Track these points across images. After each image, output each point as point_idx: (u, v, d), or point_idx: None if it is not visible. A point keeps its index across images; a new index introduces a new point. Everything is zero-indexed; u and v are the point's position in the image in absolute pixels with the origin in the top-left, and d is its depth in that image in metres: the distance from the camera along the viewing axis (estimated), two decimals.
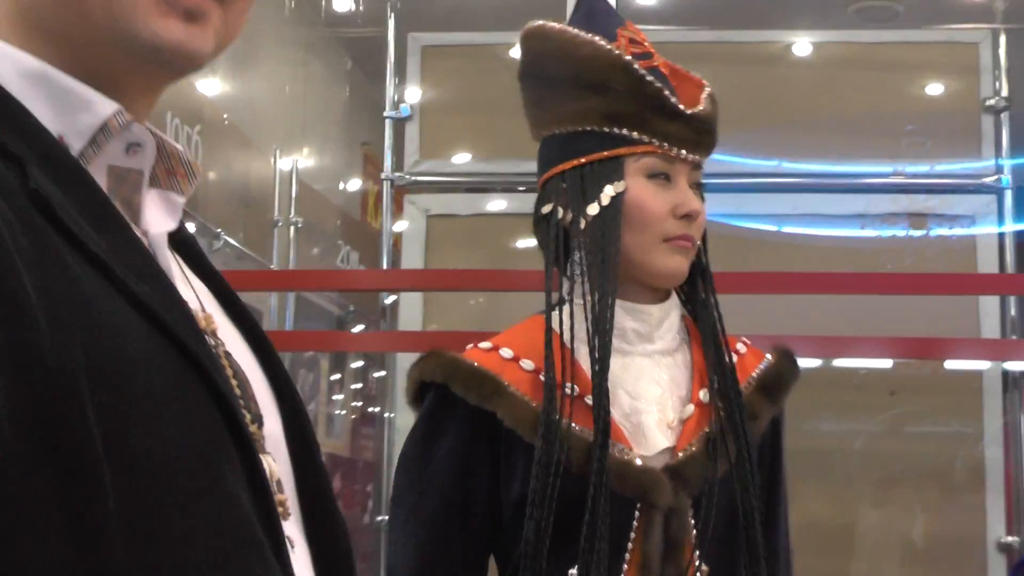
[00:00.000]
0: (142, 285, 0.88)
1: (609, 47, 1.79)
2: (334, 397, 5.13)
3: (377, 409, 4.46)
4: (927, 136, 3.36)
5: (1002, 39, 3.35)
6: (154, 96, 1.04)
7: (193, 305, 0.98)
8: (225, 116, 4.16)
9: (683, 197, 1.76)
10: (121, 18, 0.94)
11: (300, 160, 4.74)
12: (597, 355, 1.71)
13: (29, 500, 0.77)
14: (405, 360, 3.29)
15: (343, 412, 5.22)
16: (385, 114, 3.45)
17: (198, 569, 0.86)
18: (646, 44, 1.84)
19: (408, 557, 1.78)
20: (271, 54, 4.94)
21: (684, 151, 1.77)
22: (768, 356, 1.91)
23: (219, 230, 3.92)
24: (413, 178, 3.40)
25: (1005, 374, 3.19)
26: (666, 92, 1.77)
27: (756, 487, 1.73)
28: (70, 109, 0.95)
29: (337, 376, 5.23)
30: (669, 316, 1.82)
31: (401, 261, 3.45)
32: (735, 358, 1.82)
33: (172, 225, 1.02)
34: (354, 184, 5.91)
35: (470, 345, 1.83)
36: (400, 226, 3.48)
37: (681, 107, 1.77)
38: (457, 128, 3.48)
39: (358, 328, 5.04)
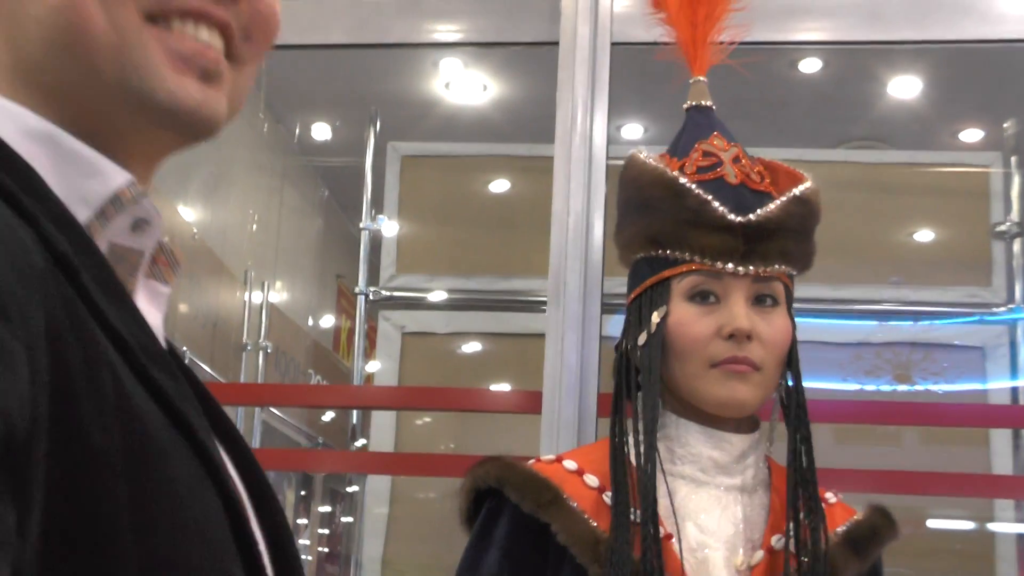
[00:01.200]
0: (159, 372, 0.79)
1: (662, 167, 1.69)
2: (300, 541, 4.96)
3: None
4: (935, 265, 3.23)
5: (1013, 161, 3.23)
6: (157, 166, 0.93)
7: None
8: (195, 232, 4.02)
9: (730, 316, 1.62)
10: (135, 75, 0.84)
11: (272, 289, 4.61)
12: (644, 485, 1.59)
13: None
14: (374, 503, 3.11)
15: (307, 557, 5.02)
16: (361, 225, 3.30)
17: None
18: (723, 153, 1.72)
19: None
20: (246, 180, 4.88)
21: (731, 264, 1.63)
22: (859, 511, 1.77)
23: (184, 348, 3.76)
24: (388, 293, 3.22)
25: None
26: (712, 202, 1.64)
27: None
28: (78, 175, 0.83)
29: (303, 519, 5.07)
30: (756, 450, 1.69)
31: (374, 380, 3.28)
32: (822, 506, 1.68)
33: (160, 317, 0.91)
34: (327, 319, 5.78)
35: (534, 458, 1.72)
36: (373, 366, 3.32)
37: (729, 216, 1.63)
38: (435, 243, 3.32)
39: None
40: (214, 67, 0.88)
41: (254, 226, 5.01)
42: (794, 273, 1.72)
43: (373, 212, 3.32)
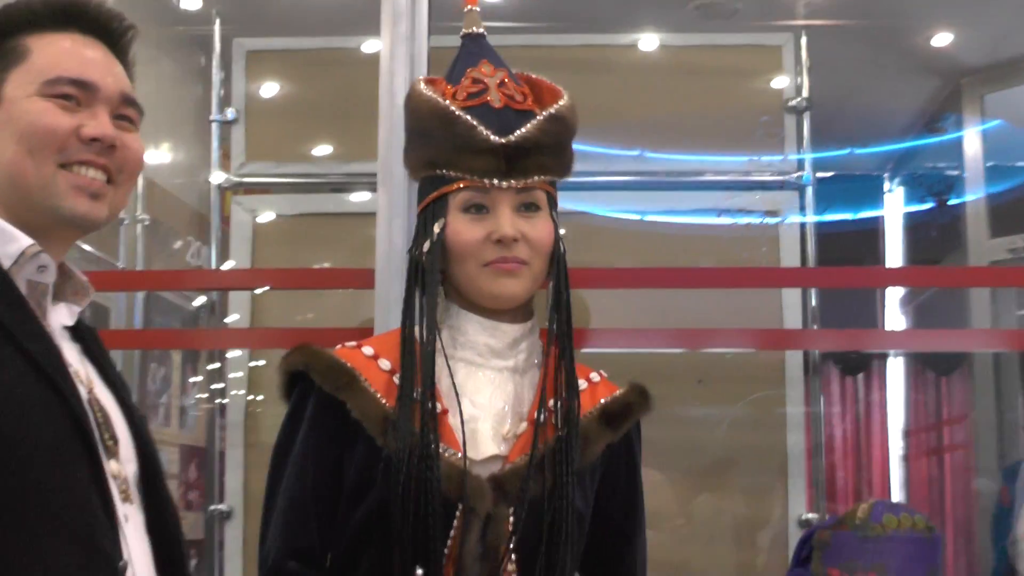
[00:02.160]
0: (33, 345, 1.50)
1: (436, 96, 1.95)
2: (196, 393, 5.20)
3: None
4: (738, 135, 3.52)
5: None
6: (69, 242, 1.68)
7: (77, 365, 1.61)
8: None
9: (496, 224, 1.90)
10: (50, 199, 1.59)
11: (149, 158, 4.78)
12: (424, 365, 1.88)
13: None
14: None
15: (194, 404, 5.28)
16: (211, 118, 3.54)
17: (48, 521, 1.43)
18: (489, 80, 1.97)
19: (276, 538, 1.92)
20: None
21: (496, 180, 1.90)
22: (620, 389, 2.06)
23: None
24: (238, 179, 3.49)
25: (806, 361, 3.36)
26: (478, 128, 1.91)
27: (570, 506, 1.86)
28: (5, 241, 1.57)
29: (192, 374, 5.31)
30: (528, 337, 1.97)
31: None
32: (584, 385, 2.00)
33: (70, 322, 1.67)
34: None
35: (340, 344, 1.99)
36: (264, 218, 3.56)
37: (492, 139, 1.90)
38: (281, 131, 3.57)
39: None
40: (98, 191, 1.61)
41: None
42: (555, 180, 2.00)
43: (222, 105, 3.56)
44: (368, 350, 1.99)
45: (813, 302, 3.41)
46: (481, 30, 2.11)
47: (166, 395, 4.89)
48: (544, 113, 1.96)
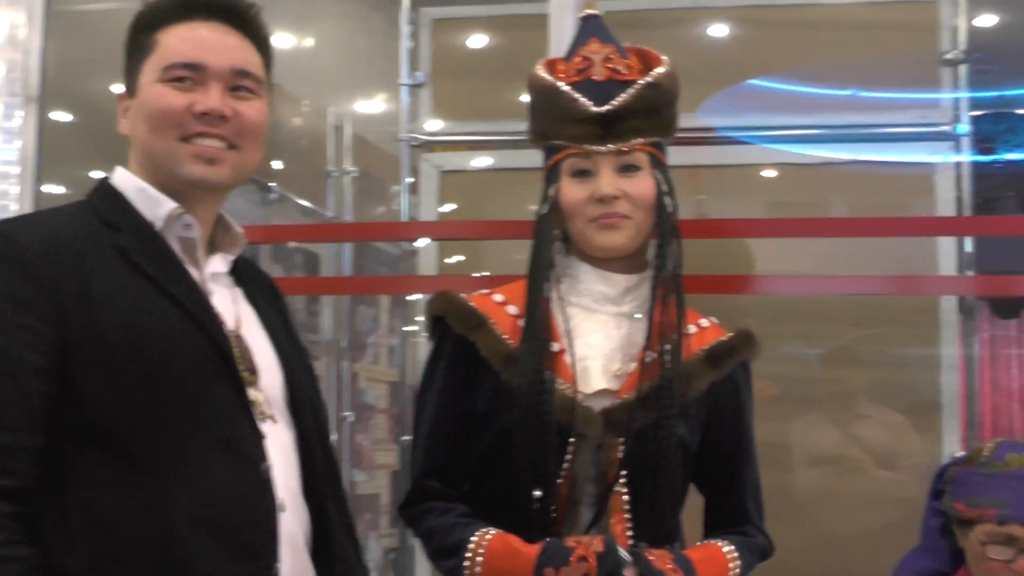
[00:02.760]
0: (176, 288, 1.82)
1: (546, 76, 2.19)
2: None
3: None
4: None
5: None
6: (212, 201, 1.95)
7: (227, 307, 1.90)
8: (273, 83, 4.56)
9: (597, 185, 2.13)
10: (174, 164, 1.88)
11: (358, 111, 5.14)
12: (531, 306, 2.15)
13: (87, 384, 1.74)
14: None
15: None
16: (400, 81, 3.86)
17: (198, 431, 1.76)
18: (595, 56, 2.18)
19: (419, 460, 2.22)
20: (329, 10, 5.29)
21: (595, 145, 2.13)
22: (728, 334, 2.25)
23: (271, 184, 4.41)
24: (427, 137, 3.82)
25: (961, 304, 3.49)
26: (579, 100, 2.14)
27: (673, 436, 2.09)
28: (155, 205, 1.89)
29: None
30: (640, 287, 2.19)
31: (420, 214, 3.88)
32: (693, 330, 2.21)
33: (223, 269, 1.96)
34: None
35: (477, 292, 2.27)
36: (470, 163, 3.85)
37: (591, 109, 2.13)
38: (465, 92, 3.86)
39: None
40: (214, 156, 1.88)
41: (344, 51, 5.45)
42: (656, 141, 2.17)
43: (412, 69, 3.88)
44: (498, 297, 2.23)
45: (968, 248, 3.52)
46: (595, 11, 2.31)
47: (374, 335, 5.26)
48: (641, 81, 2.15)
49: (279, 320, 2.05)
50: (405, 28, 3.93)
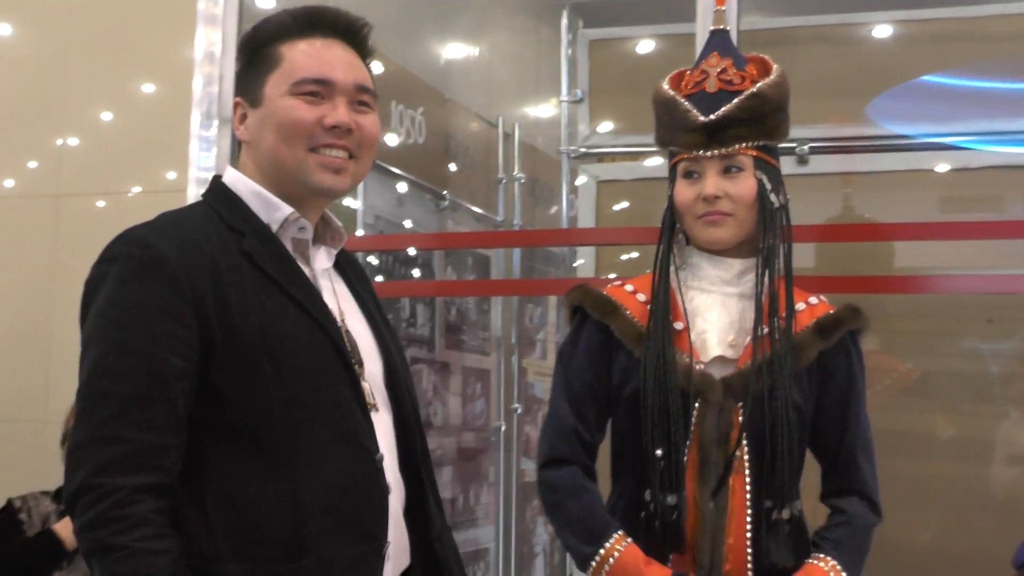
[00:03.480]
0: (297, 290, 1.97)
1: (667, 89, 2.47)
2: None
3: None
4: None
5: None
6: (322, 206, 2.11)
7: (332, 302, 2.05)
8: (446, 96, 4.91)
9: (702, 186, 2.39)
10: (303, 174, 2.02)
11: (527, 118, 5.44)
12: (657, 291, 2.42)
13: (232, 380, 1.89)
14: None
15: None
16: (560, 99, 4.19)
17: (324, 424, 1.92)
18: (712, 69, 2.43)
19: (558, 420, 2.46)
20: (500, 23, 5.54)
21: (701, 151, 2.39)
22: (834, 308, 2.45)
23: (444, 192, 4.74)
24: (585, 149, 4.14)
25: None
26: (690, 112, 2.40)
27: (788, 399, 2.30)
28: (271, 209, 2.03)
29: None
30: (752, 270, 2.41)
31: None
32: (803, 307, 2.44)
33: (328, 264, 2.12)
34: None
35: (611, 283, 2.53)
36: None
37: (699, 119, 2.39)
38: (619, 108, 4.17)
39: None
40: (340, 167, 2.03)
41: (514, 62, 5.74)
42: (759, 144, 2.37)
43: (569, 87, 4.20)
44: (629, 287, 2.48)
45: None
46: (723, 27, 2.55)
47: (543, 331, 5.55)
48: (745, 93, 2.37)
49: (375, 306, 2.21)
50: (565, 50, 4.24)
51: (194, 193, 3.66)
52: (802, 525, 2.36)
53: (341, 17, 2.11)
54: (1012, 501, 3.33)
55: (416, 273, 4.37)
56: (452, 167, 4.97)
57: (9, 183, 4.32)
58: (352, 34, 2.11)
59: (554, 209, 5.59)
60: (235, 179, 2.07)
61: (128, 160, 4.11)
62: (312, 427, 1.92)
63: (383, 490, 1.98)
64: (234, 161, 2.14)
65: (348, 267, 2.21)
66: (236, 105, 2.11)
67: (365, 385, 2.02)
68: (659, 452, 2.33)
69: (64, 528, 3.31)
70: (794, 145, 3.86)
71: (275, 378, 1.89)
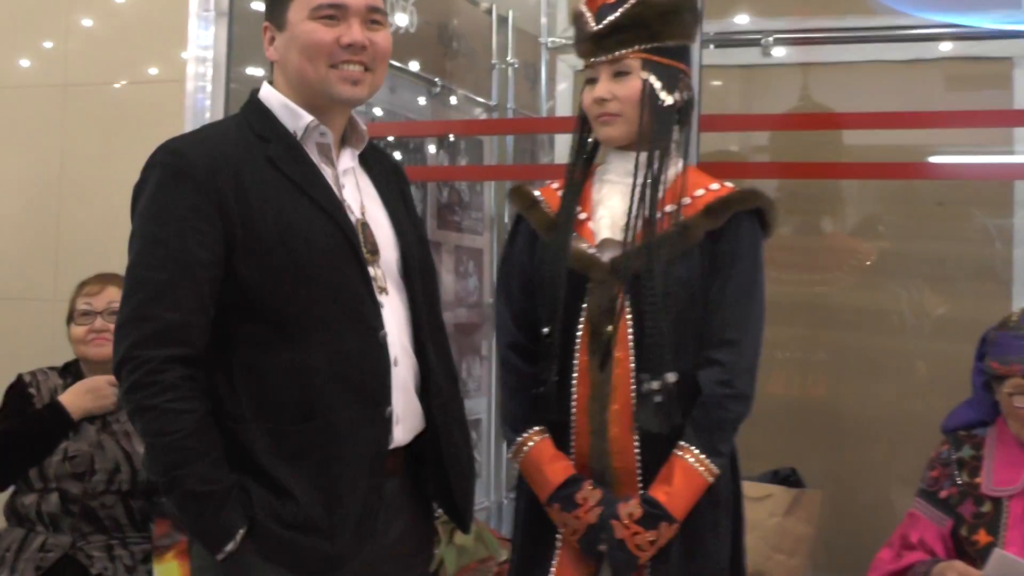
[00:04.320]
0: (313, 190, 2.29)
1: (582, 2, 2.68)
2: None
3: None
4: None
5: None
6: (346, 112, 2.41)
7: (355, 196, 2.38)
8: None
9: (598, 90, 2.62)
10: (327, 87, 2.33)
11: (521, 4, 5.52)
12: (567, 183, 2.69)
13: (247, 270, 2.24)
14: None
15: None
16: None
17: (332, 305, 2.24)
18: None
19: (504, 309, 2.74)
20: None
21: (593, 58, 2.64)
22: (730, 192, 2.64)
23: (437, 79, 4.93)
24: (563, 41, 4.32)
25: None
26: (588, 23, 2.62)
27: (669, 281, 2.51)
28: (296, 119, 2.35)
29: None
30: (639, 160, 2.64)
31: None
32: (701, 192, 2.61)
33: (351, 164, 2.42)
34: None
35: (547, 183, 2.80)
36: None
37: (591, 27, 2.62)
38: None
39: None
40: (358, 78, 2.34)
41: None
42: (648, 47, 2.57)
43: None
44: (554, 185, 2.76)
45: None
46: None
47: None
48: (630, 1, 2.57)
49: (399, 199, 2.52)
50: None
51: (192, 72, 3.91)
52: (679, 395, 2.53)
53: None
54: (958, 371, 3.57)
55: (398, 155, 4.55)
56: (446, 54, 5.12)
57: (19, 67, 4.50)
58: None
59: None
60: (267, 93, 2.41)
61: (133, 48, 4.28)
62: (321, 307, 2.25)
63: (386, 362, 2.30)
64: (269, 77, 2.45)
65: (376, 164, 2.53)
66: (265, 29, 2.42)
67: (376, 271, 2.34)
68: (545, 330, 2.58)
69: (69, 399, 3.54)
70: (759, 37, 4.05)
71: (289, 265, 2.23)
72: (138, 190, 2.29)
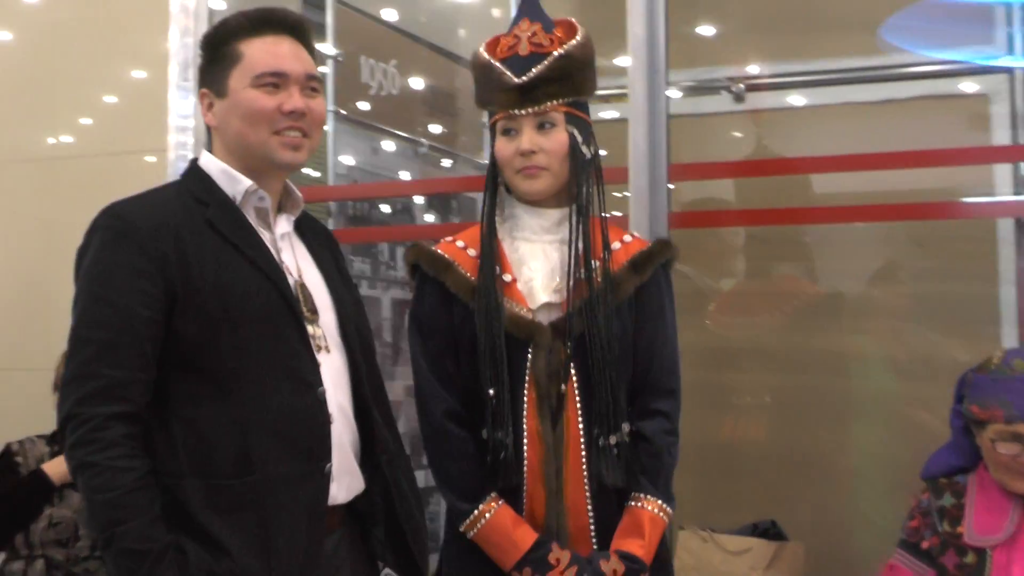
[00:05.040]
0: (251, 251, 2.33)
1: (484, 54, 2.65)
2: None
3: None
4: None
5: None
6: (282, 177, 2.48)
7: (291, 260, 2.43)
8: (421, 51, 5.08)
9: (521, 143, 2.58)
10: (268, 152, 2.39)
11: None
12: (484, 244, 2.62)
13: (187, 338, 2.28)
14: None
15: None
16: None
17: (270, 362, 2.28)
18: (523, 34, 2.60)
19: (429, 375, 2.63)
20: None
21: (516, 109, 2.58)
22: (649, 243, 2.70)
23: (422, 140, 4.96)
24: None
25: (1018, 225, 3.79)
26: (505, 74, 2.58)
27: (606, 336, 2.51)
28: (235, 184, 2.41)
29: None
30: (567, 219, 2.61)
31: None
32: (618, 245, 2.64)
33: (288, 229, 2.47)
34: None
35: (444, 239, 2.74)
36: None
37: (513, 80, 2.57)
38: None
39: None
40: (298, 144, 2.40)
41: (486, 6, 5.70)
42: (570, 100, 2.58)
43: None
44: (460, 243, 2.68)
45: (1023, 171, 3.82)
46: None
47: None
48: (555, 53, 2.56)
49: (333, 264, 2.57)
50: None
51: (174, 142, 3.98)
52: (630, 448, 2.58)
53: (289, 16, 2.51)
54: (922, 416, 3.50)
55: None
56: (432, 114, 5.15)
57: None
58: (298, 30, 2.49)
59: None
60: (207, 160, 2.47)
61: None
62: (258, 363, 2.30)
63: (324, 418, 2.35)
64: (208, 145, 2.51)
65: (309, 231, 2.58)
66: (203, 96, 2.48)
67: (316, 330, 2.40)
68: (491, 392, 2.54)
69: (51, 467, 3.59)
70: (728, 84, 4.04)
71: (227, 324, 2.28)
72: (81, 252, 2.35)
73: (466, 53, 5.30)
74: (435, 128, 5.19)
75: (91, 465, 2.20)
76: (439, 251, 2.69)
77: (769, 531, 3.44)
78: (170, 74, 3.96)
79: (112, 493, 2.19)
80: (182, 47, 3.96)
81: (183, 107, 3.96)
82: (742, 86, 4.04)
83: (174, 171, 3.90)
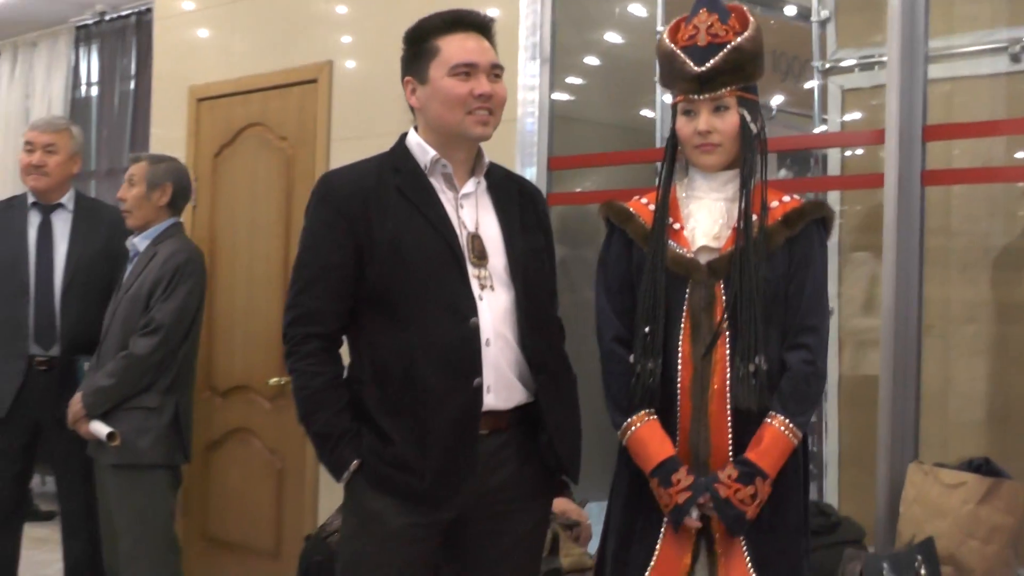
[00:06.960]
0: (427, 209, 2.95)
1: (667, 42, 3.02)
2: None
3: None
4: None
5: None
6: (473, 148, 3.03)
7: (472, 213, 3.02)
8: None
9: (699, 124, 2.95)
10: (464, 129, 2.95)
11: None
12: (659, 200, 3.06)
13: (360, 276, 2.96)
14: None
15: None
16: (812, 19, 4.67)
17: (432, 298, 2.89)
18: (702, 25, 2.96)
19: (606, 306, 3.07)
20: None
21: (695, 95, 2.97)
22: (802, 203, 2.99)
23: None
24: (832, 63, 4.61)
25: None
26: (687, 61, 2.95)
27: (757, 280, 2.86)
28: (424, 154, 3.00)
29: None
30: (733, 181, 3.01)
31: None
32: (776, 204, 2.99)
33: (473, 189, 3.03)
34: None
35: (634, 198, 3.15)
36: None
37: (694, 69, 2.95)
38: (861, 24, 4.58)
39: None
40: (486, 121, 2.96)
41: None
42: (742, 85, 2.92)
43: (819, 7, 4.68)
44: (643, 200, 3.09)
45: None
46: None
47: None
48: (729, 47, 2.89)
49: (517, 217, 3.07)
50: None
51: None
52: (768, 376, 2.87)
53: (476, 16, 3.02)
54: None
55: None
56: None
57: None
58: (485, 28, 3.02)
59: None
60: (410, 136, 3.04)
61: None
62: (424, 301, 2.88)
63: (476, 343, 2.89)
64: (414, 123, 3.06)
65: (500, 189, 3.10)
66: (407, 83, 3.02)
67: (483, 271, 2.93)
68: (647, 329, 2.95)
69: None
70: (1005, 45, 4.16)
71: (402, 269, 2.87)
72: (305, 211, 3.03)
73: None
74: None
75: (293, 370, 2.94)
76: (625, 205, 3.14)
77: (982, 468, 3.52)
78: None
79: (306, 391, 2.91)
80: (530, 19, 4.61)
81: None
82: (1018, 47, 4.12)
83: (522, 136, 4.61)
